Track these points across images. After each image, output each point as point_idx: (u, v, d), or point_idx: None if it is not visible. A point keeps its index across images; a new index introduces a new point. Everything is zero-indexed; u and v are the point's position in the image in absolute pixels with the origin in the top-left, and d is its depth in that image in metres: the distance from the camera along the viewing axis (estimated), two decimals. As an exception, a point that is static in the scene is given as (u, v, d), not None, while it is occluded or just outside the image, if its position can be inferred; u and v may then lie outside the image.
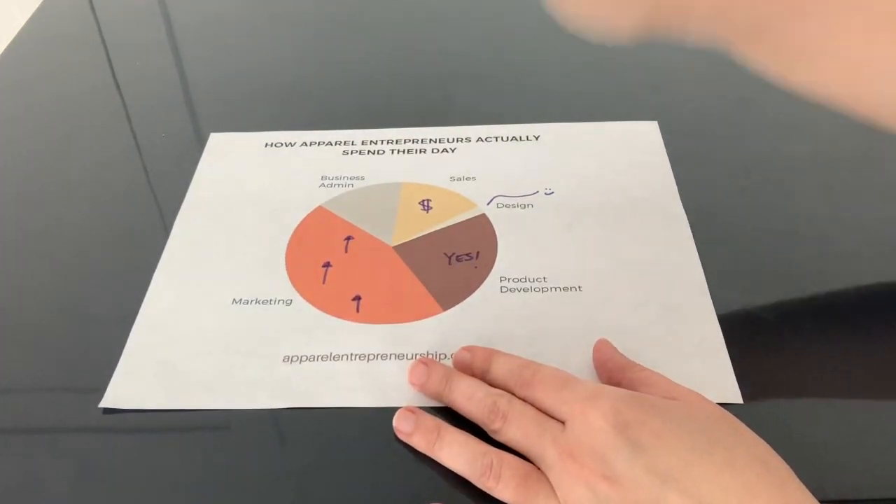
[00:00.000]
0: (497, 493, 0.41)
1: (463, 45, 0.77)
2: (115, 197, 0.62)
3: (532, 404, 0.43)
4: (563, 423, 0.41)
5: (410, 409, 0.45)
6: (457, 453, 0.42)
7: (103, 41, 0.81)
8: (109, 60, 0.78)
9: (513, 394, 0.44)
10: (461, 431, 0.43)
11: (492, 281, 0.53)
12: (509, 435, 0.42)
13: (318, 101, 0.71)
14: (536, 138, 0.64)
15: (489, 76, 0.73)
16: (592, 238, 0.55)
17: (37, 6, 0.86)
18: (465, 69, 0.74)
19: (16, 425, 0.47)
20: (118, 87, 0.74)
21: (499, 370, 0.46)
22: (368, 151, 0.64)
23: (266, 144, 0.65)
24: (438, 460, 0.43)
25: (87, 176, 0.64)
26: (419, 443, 0.44)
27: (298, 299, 0.52)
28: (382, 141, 0.65)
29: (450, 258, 0.54)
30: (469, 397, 0.44)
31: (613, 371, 0.46)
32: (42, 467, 0.44)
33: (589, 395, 0.41)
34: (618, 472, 0.38)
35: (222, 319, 0.51)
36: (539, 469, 0.41)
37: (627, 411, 0.40)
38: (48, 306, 0.53)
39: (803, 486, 0.38)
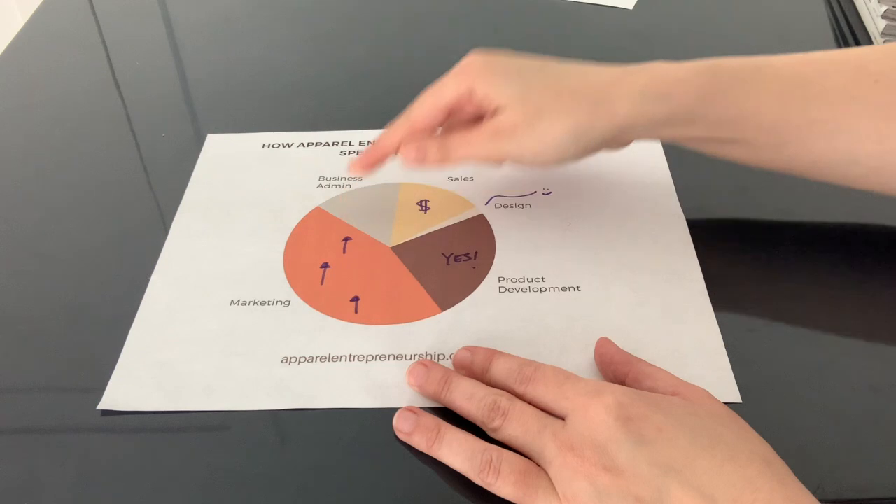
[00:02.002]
0: (496, 489, 0.41)
1: (460, 44, 0.77)
2: (115, 197, 0.62)
3: (532, 402, 0.43)
4: (563, 419, 0.42)
5: (411, 409, 0.45)
6: (456, 451, 0.42)
7: (103, 41, 0.81)
8: (109, 60, 0.78)
9: (512, 393, 0.44)
10: (461, 430, 0.43)
11: (490, 281, 0.53)
12: (509, 432, 0.42)
13: (315, 102, 0.70)
14: None
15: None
16: (591, 238, 0.55)
17: (37, 6, 0.86)
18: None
19: (14, 425, 0.47)
20: (118, 87, 0.74)
21: (499, 369, 0.46)
22: None
23: (263, 145, 0.65)
24: (438, 458, 0.43)
25: (86, 176, 0.64)
26: (419, 442, 0.44)
27: (297, 300, 0.52)
28: None
29: (448, 258, 0.54)
30: (469, 397, 0.44)
31: (617, 366, 0.46)
32: (41, 468, 0.44)
33: (591, 390, 0.41)
34: (619, 464, 0.38)
35: (220, 321, 0.51)
36: (539, 465, 0.41)
37: (630, 406, 0.40)
38: (46, 306, 0.54)
39: (803, 486, 0.38)
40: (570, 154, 0.51)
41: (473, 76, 0.51)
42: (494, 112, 0.50)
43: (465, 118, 0.53)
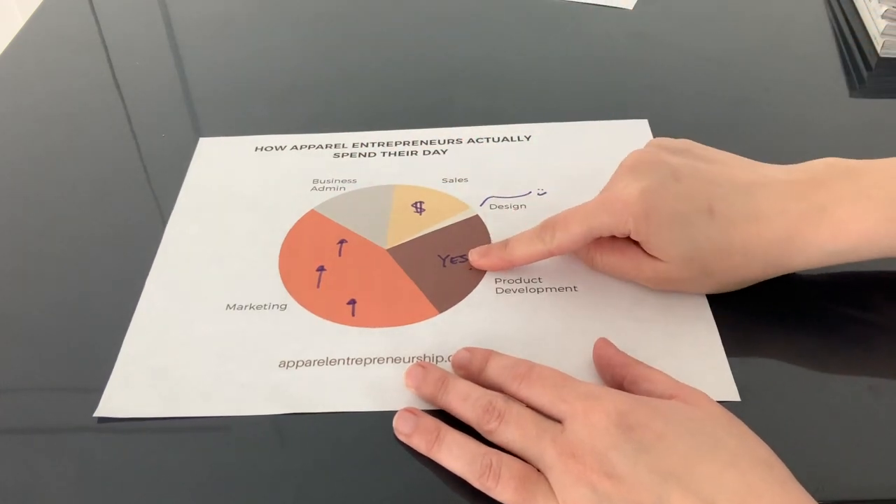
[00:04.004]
0: (496, 494, 0.41)
1: (452, 46, 0.77)
2: (113, 199, 0.61)
3: (527, 402, 0.43)
4: (559, 422, 0.41)
5: (411, 410, 0.45)
6: (456, 454, 0.42)
7: (103, 41, 0.81)
8: (109, 60, 0.78)
9: (507, 392, 0.44)
10: (461, 433, 0.43)
11: (487, 282, 0.53)
12: (506, 436, 0.42)
13: (308, 104, 0.70)
14: (528, 138, 0.64)
15: (479, 77, 0.72)
16: None
17: (37, 6, 0.86)
18: (455, 71, 0.73)
19: (11, 427, 0.47)
20: (118, 87, 0.74)
21: (494, 368, 0.46)
22: (360, 154, 0.64)
23: (256, 148, 0.65)
24: (438, 461, 0.43)
25: (86, 176, 0.64)
26: (418, 444, 0.44)
27: (293, 304, 0.52)
28: (373, 143, 0.64)
29: (444, 260, 0.54)
30: (464, 398, 0.44)
31: (616, 368, 0.46)
32: (38, 470, 0.44)
33: (590, 394, 0.41)
34: (620, 471, 0.38)
35: (216, 326, 0.51)
36: (537, 470, 0.41)
37: (630, 413, 0.40)
38: (40, 307, 0.54)
39: (804, 490, 0.38)
40: (733, 290, 0.50)
41: (632, 221, 0.47)
42: (654, 257, 0.48)
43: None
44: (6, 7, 1.34)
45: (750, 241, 0.47)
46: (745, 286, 0.50)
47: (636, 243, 0.49)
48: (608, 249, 0.51)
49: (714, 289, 0.50)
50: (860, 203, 0.46)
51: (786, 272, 0.49)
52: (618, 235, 0.49)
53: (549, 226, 0.51)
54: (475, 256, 0.54)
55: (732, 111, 0.66)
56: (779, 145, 0.62)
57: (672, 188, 0.48)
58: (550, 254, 0.51)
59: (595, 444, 0.39)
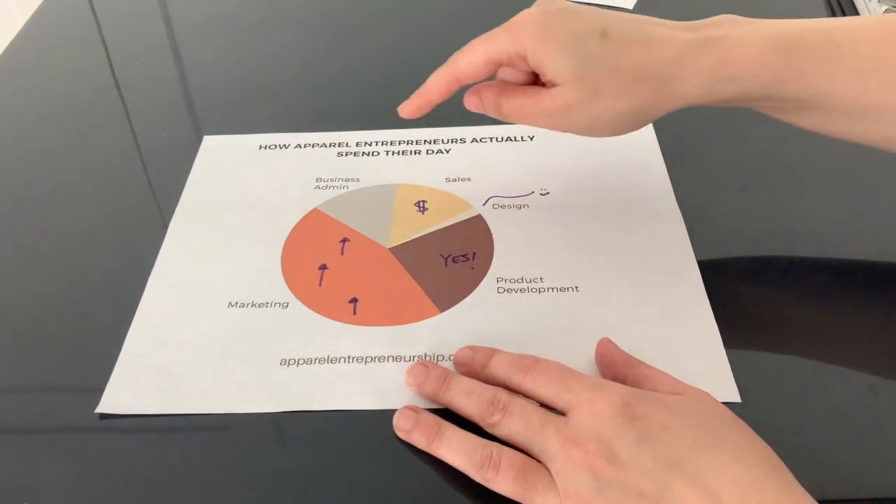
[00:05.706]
0: (496, 485, 0.41)
1: (455, 46, 0.76)
2: (114, 198, 0.62)
3: (531, 394, 0.43)
4: (563, 415, 0.41)
5: (412, 408, 0.45)
6: (456, 448, 0.42)
7: (103, 41, 0.81)
8: (109, 61, 0.78)
9: (511, 385, 0.44)
10: (461, 429, 0.43)
11: (488, 282, 0.53)
12: (510, 428, 0.42)
13: (312, 103, 0.70)
14: (531, 139, 0.64)
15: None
16: (588, 238, 0.55)
17: (37, 6, 0.86)
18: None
19: (12, 426, 0.47)
20: (118, 87, 0.74)
21: (498, 363, 0.46)
22: (363, 153, 0.64)
23: (260, 146, 0.65)
24: (438, 456, 0.43)
25: (86, 177, 0.64)
26: (419, 440, 0.44)
27: (295, 302, 0.52)
28: (377, 142, 0.64)
29: (446, 259, 0.54)
30: (468, 392, 0.44)
31: (618, 367, 0.46)
32: (39, 468, 0.44)
33: (596, 385, 0.42)
34: (622, 458, 0.38)
35: (218, 323, 0.51)
36: (538, 461, 0.41)
37: (635, 404, 0.40)
38: (44, 307, 0.54)
39: (806, 492, 0.37)
40: (626, 130, 0.51)
41: (527, 39, 0.48)
42: (548, 83, 0.49)
43: (519, 69, 0.51)
44: (6, 7, 1.34)
45: (640, 62, 0.48)
46: (640, 122, 0.50)
47: (536, 84, 0.50)
48: (511, 92, 0.51)
49: (608, 123, 0.50)
50: (748, 35, 0.48)
51: (676, 100, 0.49)
52: (516, 63, 0.50)
53: (454, 56, 0.52)
54: (401, 109, 0.55)
55: (733, 111, 0.66)
56: (779, 145, 0.62)
57: (570, 12, 0.49)
58: (457, 80, 0.52)
59: (599, 431, 0.39)
